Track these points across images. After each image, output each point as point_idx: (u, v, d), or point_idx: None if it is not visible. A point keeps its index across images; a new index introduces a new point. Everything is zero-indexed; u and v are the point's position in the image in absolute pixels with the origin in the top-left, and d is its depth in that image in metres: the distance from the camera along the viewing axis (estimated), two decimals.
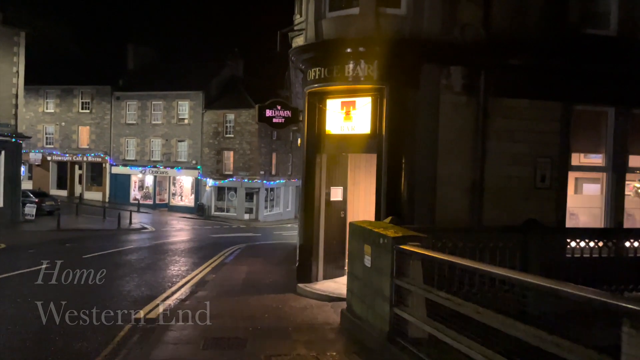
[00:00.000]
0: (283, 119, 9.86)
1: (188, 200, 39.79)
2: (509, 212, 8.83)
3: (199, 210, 38.09)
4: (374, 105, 8.84)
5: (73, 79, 41.29)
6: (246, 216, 37.83)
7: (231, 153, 38.31)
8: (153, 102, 40.12)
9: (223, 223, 34.39)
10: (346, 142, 9.31)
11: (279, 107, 9.86)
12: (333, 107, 9.21)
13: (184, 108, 39.49)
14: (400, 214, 8.55)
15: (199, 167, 38.69)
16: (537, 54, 8.64)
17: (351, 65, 8.51)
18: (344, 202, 10.17)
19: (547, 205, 9.08)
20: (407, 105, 8.63)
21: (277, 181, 40.14)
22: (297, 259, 10.15)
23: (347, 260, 8.42)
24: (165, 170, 39.61)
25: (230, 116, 38.34)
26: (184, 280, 11.15)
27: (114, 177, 41.03)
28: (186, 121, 39.41)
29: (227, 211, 38.52)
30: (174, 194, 40.46)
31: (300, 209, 9.85)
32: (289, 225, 36.25)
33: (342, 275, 10.29)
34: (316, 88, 9.12)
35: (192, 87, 38.98)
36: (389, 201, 8.71)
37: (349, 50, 8.47)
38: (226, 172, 38.36)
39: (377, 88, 8.67)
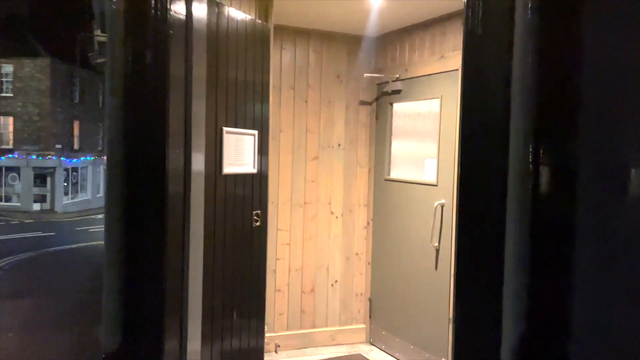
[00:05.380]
0: None
1: None
2: None
3: None
4: None
5: None
6: (37, 206, 27.48)
7: (10, 119, 27.30)
8: None
9: None
10: None
11: None
12: None
13: None
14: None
15: None
16: None
17: None
18: (258, 180, 3.24)
19: None
20: None
21: (82, 158, 30.23)
22: None
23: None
24: None
25: (7, 68, 27.25)
26: None
27: None
28: None
29: (8, 200, 27.63)
30: None
31: (109, 208, 2.52)
32: (100, 216, 27.10)
33: None
34: None
35: None
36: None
37: None
38: (3, 146, 27.34)
39: None
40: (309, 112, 4.27)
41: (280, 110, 4.16)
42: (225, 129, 2.82)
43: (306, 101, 4.25)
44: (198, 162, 2.66)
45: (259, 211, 3.20)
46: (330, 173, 4.36)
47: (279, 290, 4.24)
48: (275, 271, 4.21)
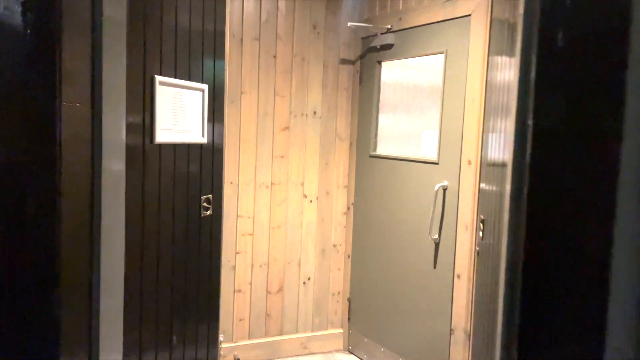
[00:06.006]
0: None
1: None
2: None
3: None
4: None
5: None
6: None
7: None
8: None
9: None
10: None
11: None
12: None
13: None
14: None
15: None
16: None
17: None
18: (210, 153, 2.41)
19: None
20: None
21: None
22: None
23: None
24: None
25: None
26: None
27: None
28: None
29: None
30: None
31: None
32: None
33: None
34: None
35: None
36: None
37: None
38: None
39: None
40: (278, 71, 3.42)
41: (242, 66, 3.30)
42: (158, 78, 1.96)
43: (274, 56, 3.40)
44: (115, 125, 1.82)
45: (210, 196, 2.37)
46: (303, 147, 3.55)
47: (239, 291, 3.45)
48: (234, 268, 3.40)
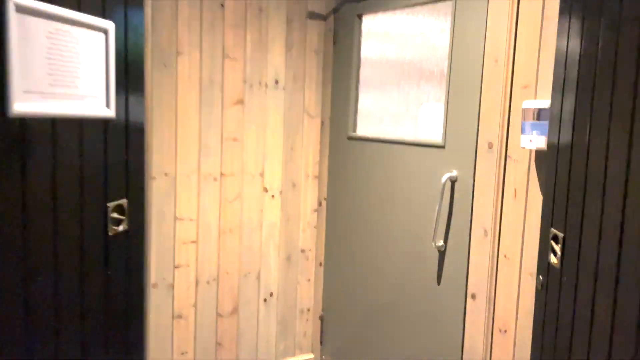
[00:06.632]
0: None
1: None
2: None
3: None
4: None
5: None
6: None
7: None
8: None
9: None
10: None
11: None
12: None
13: None
14: None
15: None
16: None
17: None
18: (121, 133, 1.57)
19: None
20: None
21: None
22: None
23: None
24: None
25: None
26: None
27: None
28: None
29: None
30: None
31: None
32: None
33: None
34: None
35: None
36: None
37: None
38: None
39: None
40: (227, 25, 2.58)
41: (178, 16, 2.43)
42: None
43: (222, 5, 2.55)
44: None
45: (123, 201, 1.53)
46: (262, 126, 2.73)
47: (180, 317, 2.62)
48: (172, 287, 2.58)
